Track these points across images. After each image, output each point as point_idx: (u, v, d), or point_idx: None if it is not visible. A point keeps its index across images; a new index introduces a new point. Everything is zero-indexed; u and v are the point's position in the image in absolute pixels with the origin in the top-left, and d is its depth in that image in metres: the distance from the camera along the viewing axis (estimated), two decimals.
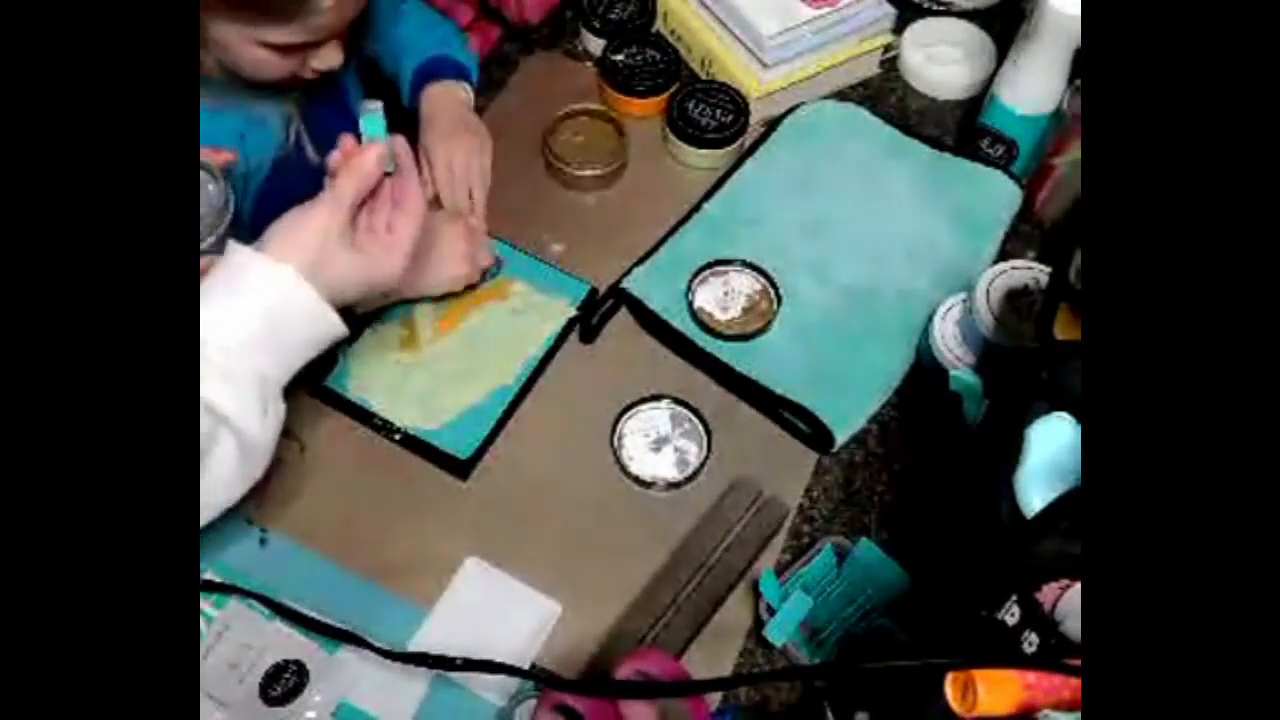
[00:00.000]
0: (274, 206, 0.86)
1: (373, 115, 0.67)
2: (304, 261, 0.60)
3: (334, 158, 0.68)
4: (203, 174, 0.70)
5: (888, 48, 0.99)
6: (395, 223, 0.66)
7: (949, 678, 0.40)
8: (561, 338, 0.82)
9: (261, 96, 0.82)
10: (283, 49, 0.75)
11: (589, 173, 0.90)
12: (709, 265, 0.84)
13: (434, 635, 0.68)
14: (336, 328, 0.62)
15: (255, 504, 0.72)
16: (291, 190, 0.87)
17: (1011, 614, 0.43)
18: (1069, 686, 0.40)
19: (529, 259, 0.85)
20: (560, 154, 0.90)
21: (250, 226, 0.87)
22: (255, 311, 0.58)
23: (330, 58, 0.79)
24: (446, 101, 0.91)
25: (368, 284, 0.64)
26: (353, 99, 0.94)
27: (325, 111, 0.88)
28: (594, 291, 0.84)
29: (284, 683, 0.65)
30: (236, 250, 0.60)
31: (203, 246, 0.68)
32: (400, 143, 0.68)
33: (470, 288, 0.82)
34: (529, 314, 0.82)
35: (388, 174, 0.66)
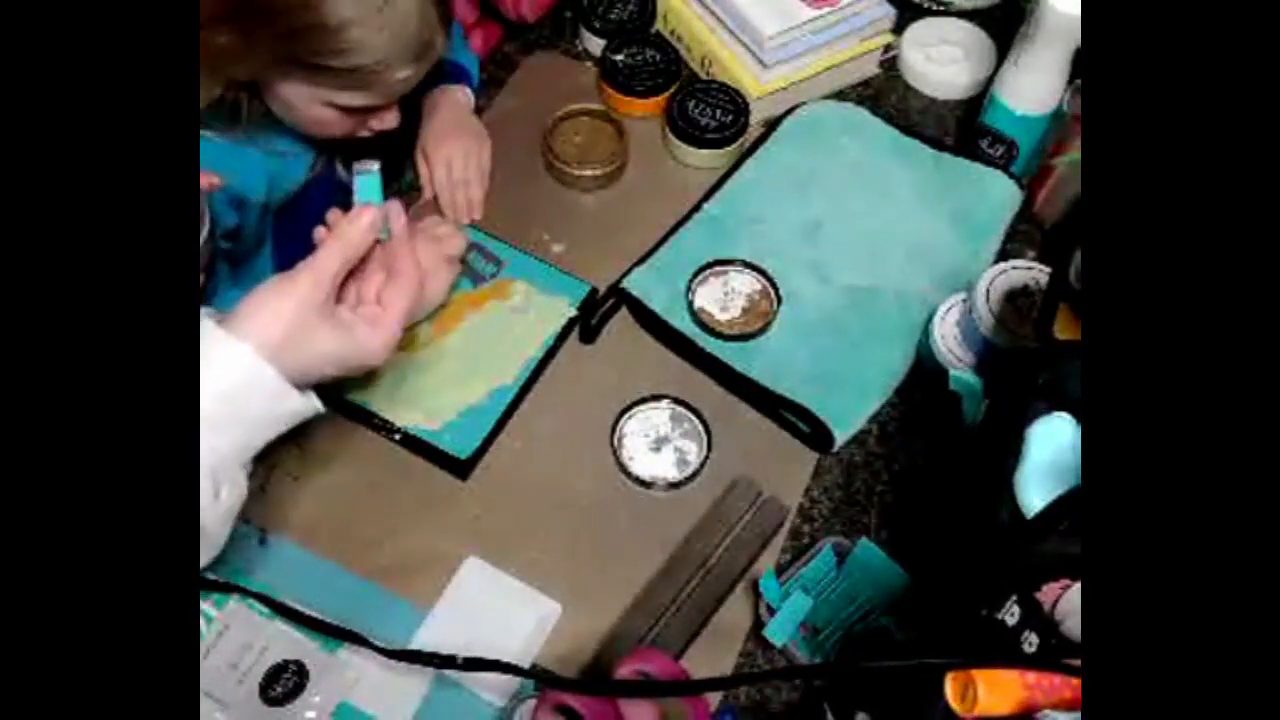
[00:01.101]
0: (296, 226, 0.87)
1: (368, 176, 0.63)
2: (271, 338, 0.56)
3: (319, 233, 0.67)
4: None
5: (888, 48, 0.99)
6: (387, 295, 0.62)
7: (949, 678, 0.40)
8: (561, 338, 0.82)
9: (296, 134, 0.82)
10: (348, 110, 0.76)
11: (589, 173, 0.90)
12: (709, 265, 0.84)
13: (434, 635, 0.68)
14: (303, 407, 0.58)
15: (255, 504, 0.72)
16: (314, 210, 0.88)
17: (1011, 614, 0.43)
18: (1069, 686, 0.40)
19: (529, 259, 0.85)
20: (560, 154, 0.90)
21: (274, 243, 0.88)
22: (206, 391, 0.54)
23: (390, 119, 0.80)
24: (446, 104, 0.91)
25: (345, 363, 0.60)
26: None
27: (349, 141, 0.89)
28: (594, 291, 0.84)
29: (284, 683, 0.65)
30: (201, 322, 0.56)
31: None
32: (395, 208, 0.64)
33: (470, 287, 0.83)
34: (529, 314, 0.82)
35: (379, 241, 0.62)
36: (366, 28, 0.69)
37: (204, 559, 0.58)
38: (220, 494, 0.56)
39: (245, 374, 0.55)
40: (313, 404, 0.59)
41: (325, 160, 0.86)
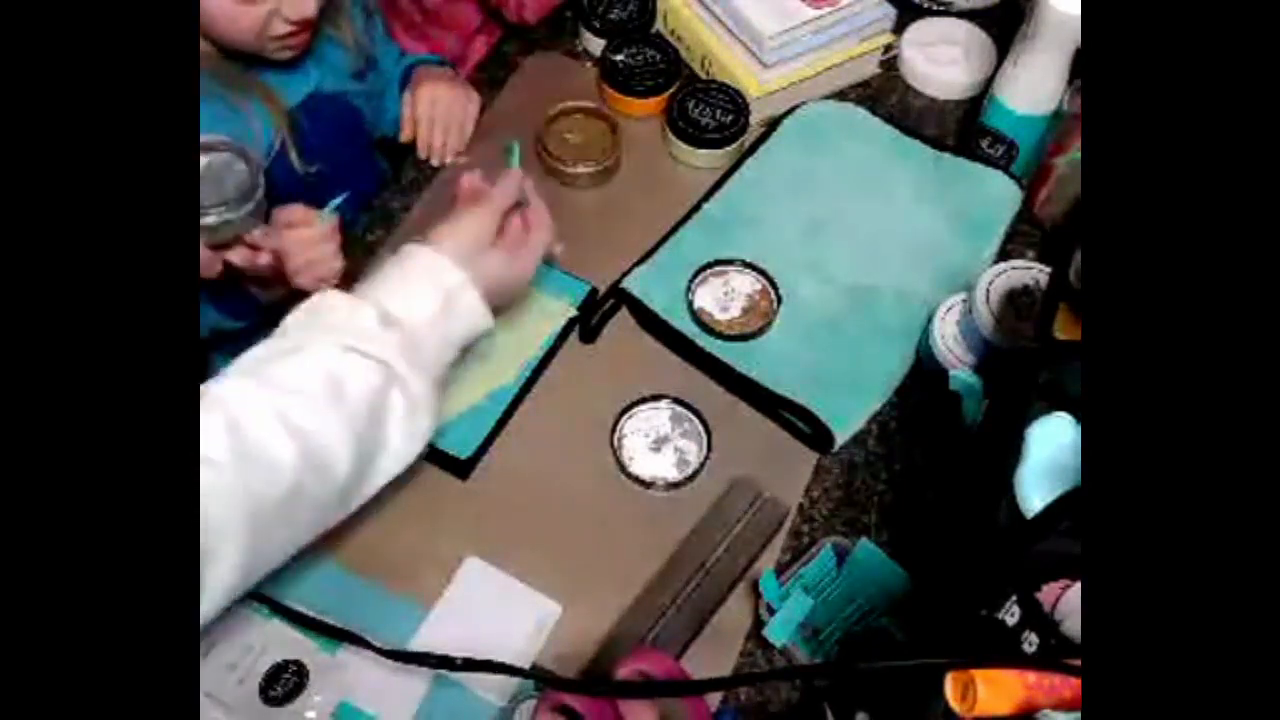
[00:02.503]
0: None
1: (514, 147, 0.77)
2: (461, 256, 0.66)
3: (465, 179, 0.73)
4: (232, 155, 0.72)
5: (888, 48, 0.99)
6: (531, 235, 0.73)
7: (949, 678, 0.40)
8: (561, 338, 0.82)
9: (247, 95, 0.82)
10: None
11: (583, 170, 0.90)
12: (709, 265, 0.84)
13: (434, 635, 0.68)
14: (487, 321, 0.67)
15: None
16: (275, 198, 0.87)
17: (1011, 614, 0.43)
18: (1069, 686, 0.40)
19: None
20: (554, 152, 0.90)
21: None
22: (436, 293, 0.64)
23: (303, 4, 0.77)
24: (431, 72, 0.94)
25: (505, 282, 0.70)
26: (364, 114, 0.94)
27: (319, 122, 0.88)
28: (594, 291, 0.84)
29: (284, 683, 0.65)
30: (410, 246, 0.66)
31: (233, 216, 0.71)
32: (526, 180, 0.74)
33: None
34: (529, 314, 0.82)
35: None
36: None
37: (386, 475, 0.62)
38: (416, 416, 0.61)
39: (458, 285, 0.65)
40: (490, 322, 0.67)
41: (281, 150, 0.85)
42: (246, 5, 0.75)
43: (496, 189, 0.71)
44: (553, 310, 0.83)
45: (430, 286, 0.64)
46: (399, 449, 0.61)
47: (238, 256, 0.74)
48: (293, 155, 0.86)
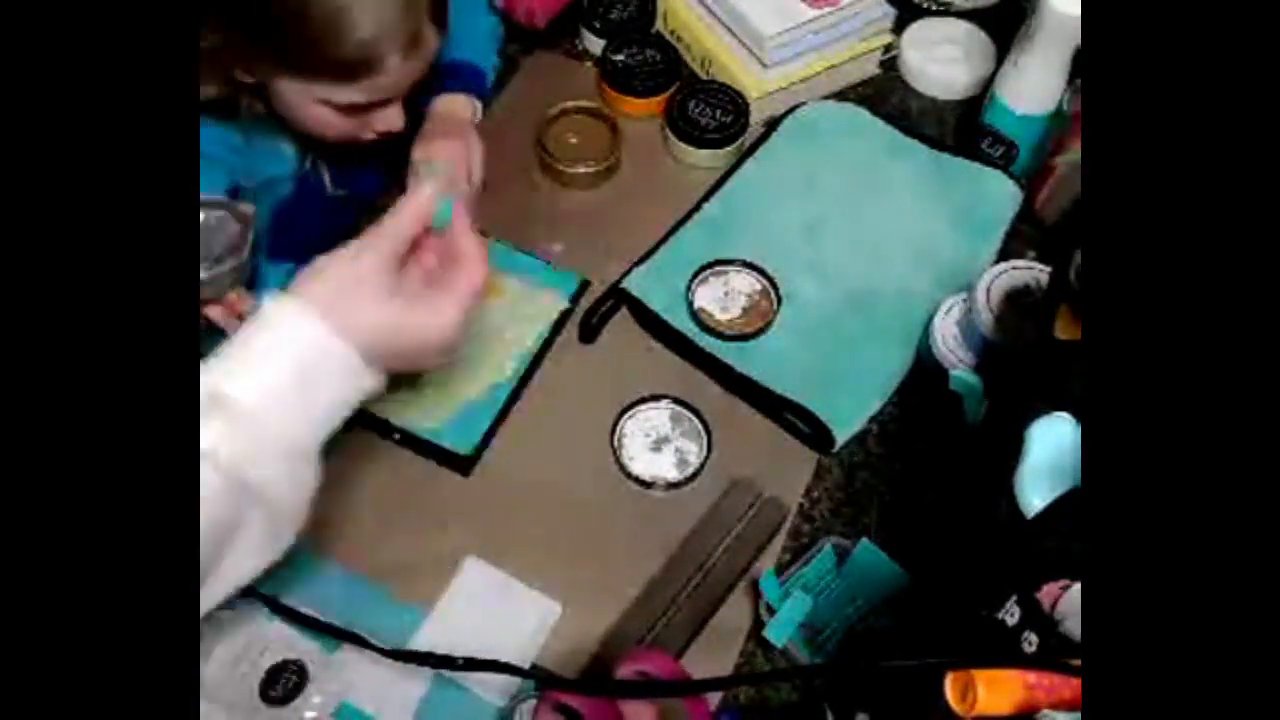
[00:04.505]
0: (287, 240, 0.86)
1: (435, 166, 0.69)
2: (317, 297, 0.53)
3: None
4: (226, 214, 0.71)
5: (888, 48, 0.99)
6: (450, 277, 0.57)
7: (949, 678, 0.40)
8: (554, 331, 0.82)
9: (280, 131, 0.82)
10: (345, 109, 0.75)
11: (583, 170, 0.90)
12: (709, 265, 0.84)
13: (434, 635, 0.68)
14: (369, 382, 0.55)
15: None
16: (303, 223, 0.86)
17: (1011, 614, 0.43)
18: (1069, 686, 0.40)
19: (519, 254, 0.85)
20: (554, 152, 0.90)
21: (269, 258, 0.87)
22: (285, 362, 0.52)
23: (392, 119, 0.79)
24: (441, 112, 0.90)
25: (407, 333, 0.56)
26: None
27: (346, 146, 0.88)
28: (585, 284, 0.84)
29: (284, 683, 0.65)
30: (265, 299, 0.54)
31: (207, 275, 0.69)
32: (457, 205, 0.60)
33: None
34: (521, 308, 0.82)
35: (430, 230, 0.59)
36: (348, 12, 0.69)
37: (284, 546, 0.55)
38: (299, 480, 0.54)
39: (317, 344, 0.53)
40: (377, 381, 0.56)
41: (312, 170, 0.85)
42: (343, 116, 0.76)
43: (388, 216, 0.57)
44: (544, 304, 0.82)
45: (278, 351, 0.52)
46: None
47: (215, 313, 0.72)
48: (325, 177, 0.86)
